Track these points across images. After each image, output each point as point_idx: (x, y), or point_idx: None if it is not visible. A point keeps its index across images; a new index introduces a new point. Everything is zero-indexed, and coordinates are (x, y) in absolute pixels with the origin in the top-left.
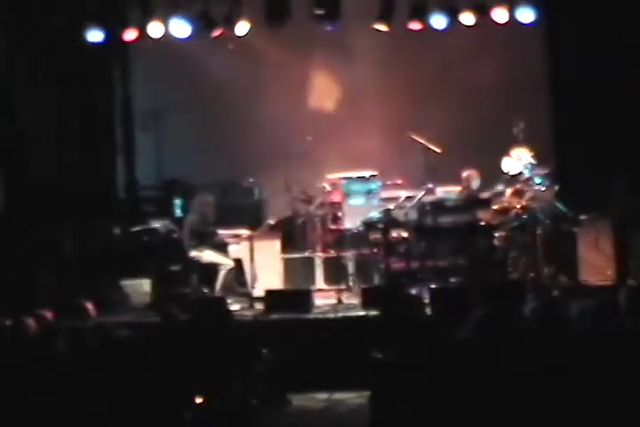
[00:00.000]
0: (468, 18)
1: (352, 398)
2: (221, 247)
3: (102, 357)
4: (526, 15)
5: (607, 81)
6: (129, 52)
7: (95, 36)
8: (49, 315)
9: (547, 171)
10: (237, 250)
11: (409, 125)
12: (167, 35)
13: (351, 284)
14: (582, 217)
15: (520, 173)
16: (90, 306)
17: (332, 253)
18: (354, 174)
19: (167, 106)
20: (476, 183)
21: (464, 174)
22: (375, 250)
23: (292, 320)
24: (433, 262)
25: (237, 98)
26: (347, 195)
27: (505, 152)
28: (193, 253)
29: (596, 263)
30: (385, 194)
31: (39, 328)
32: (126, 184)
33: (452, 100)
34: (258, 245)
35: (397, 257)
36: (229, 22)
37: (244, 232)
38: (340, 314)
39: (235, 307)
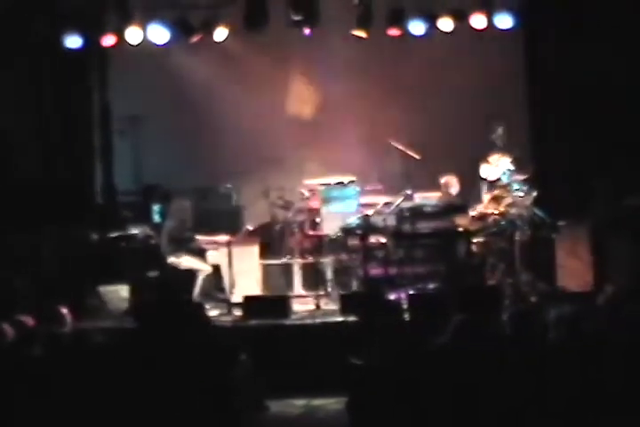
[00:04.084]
0: (446, 24)
1: (330, 403)
2: (199, 253)
3: (79, 363)
4: (504, 21)
5: (586, 86)
6: (107, 58)
7: (73, 41)
8: (29, 321)
9: (525, 177)
10: (215, 256)
11: (387, 132)
12: (145, 40)
13: (329, 290)
14: (560, 223)
15: (498, 179)
16: (66, 312)
17: (311, 259)
18: (332, 180)
19: (145, 111)
20: (454, 189)
21: (442, 180)
22: (353, 256)
23: (270, 326)
24: (411, 268)
25: (215, 103)
26: (325, 201)
27: (484, 158)
28: (171, 259)
29: (573, 269)
30: (363, 200)
31: (17, 334)
32: (104, 190)
33: (431, 106)
34: (236, 250)
35: (376, 263)
36: (207, 28)
37: (223, 238)
38: (318, 320)
39: (213, 313)
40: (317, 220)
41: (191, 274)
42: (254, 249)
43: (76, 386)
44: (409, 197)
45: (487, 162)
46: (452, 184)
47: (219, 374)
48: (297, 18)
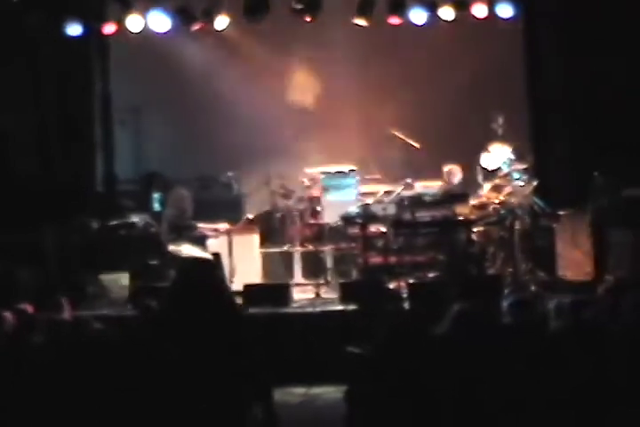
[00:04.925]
0: (447, 13)
1: (330, 392)
2: (200, 241)
3: (79, 351)
4: (505, 10)
5: (586, 76)
6: (108, 48)
7: (74, 29)
8: (29, 309)
9: (525, 166)
10: (216, 244)
11: (388, 120)
12: (146, 29)
13: (329, 278)
14: (560, 213)
15: (499, 169)
16: (65, 301)
17: (311, 247)
18: (333, 169)
19: (146, 100)
20: (457, 178)
21: (445, 169)
22: (353, 245)
23: (270, 314)
24: (411, 257)
25: (216, 92)
26: (325, 189)
27: (484, 147)
28: (171, 248)
29: (573, 259)
30: (364, 189)
31: (17, 322)
32: (105, 178)
33: (432, 94)
34: (236, 239)
35: (376, 252)
36: (208, 16)
37: (223, 226)
38: (318, 308)
39: None
40: (318, 208)
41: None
42: (254, 237)
43: (76, 373)
44: (409, 186)
45: (487, 151)
46: (456, 173)
47: (234, 361)
48: (298, 6)
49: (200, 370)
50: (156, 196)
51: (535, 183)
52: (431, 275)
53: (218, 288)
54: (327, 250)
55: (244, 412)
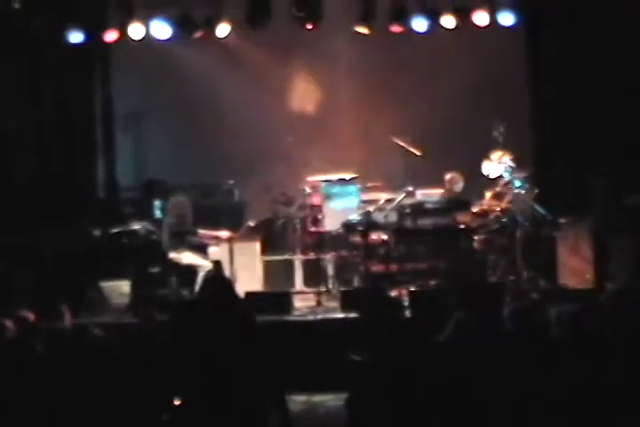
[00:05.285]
0: (448, 21)
1: (331, 399)
2: (201, 249)
3: (80, 358)
4: (507, 18)
5: (588, 84)
6: (110, 54)
7: (76, 37)
8: (30, 316)
9: (526, 174)
10: (217, 252)
11: (389, 128)
12: (148, 36)
13: (330, 286)
14: (562, 220)
15: (500, 177)
16: (65, 308)
17: (312, 255)
18: (334, 177)
19: (147, 107)
20: (459, 186)
21: (447, 177)
22: (355, 252)
23: (271, 322)
24: (412, 265)
25: (218, 99)
26: (327, 197)
27: (485, 155)
28: (172, 255)
29: (575, 267)
30: (365, 196)
31: (18, 330)
32: (106, 185)
33: (433, 102)
34: (237, 246)
35: (377, 260)
36: (210, 24)
37: (224, 234)
38: (319, 316)
39: None
40: (319, 216)
41: (192, 270)
42: (256, 245)
43: (76, 380)
44: (410, 194)
45: (489, 159)
46: (457, 181)
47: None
48: (300, 14)
49: (218, 378)
50: (156, 203)
51: (536, 191)
52: (432, 283)
53: (236, 302)
54: (328, 258)
55: (261, 419)
